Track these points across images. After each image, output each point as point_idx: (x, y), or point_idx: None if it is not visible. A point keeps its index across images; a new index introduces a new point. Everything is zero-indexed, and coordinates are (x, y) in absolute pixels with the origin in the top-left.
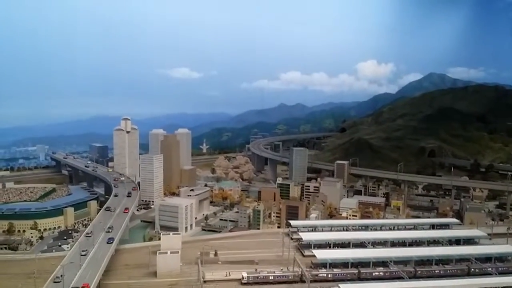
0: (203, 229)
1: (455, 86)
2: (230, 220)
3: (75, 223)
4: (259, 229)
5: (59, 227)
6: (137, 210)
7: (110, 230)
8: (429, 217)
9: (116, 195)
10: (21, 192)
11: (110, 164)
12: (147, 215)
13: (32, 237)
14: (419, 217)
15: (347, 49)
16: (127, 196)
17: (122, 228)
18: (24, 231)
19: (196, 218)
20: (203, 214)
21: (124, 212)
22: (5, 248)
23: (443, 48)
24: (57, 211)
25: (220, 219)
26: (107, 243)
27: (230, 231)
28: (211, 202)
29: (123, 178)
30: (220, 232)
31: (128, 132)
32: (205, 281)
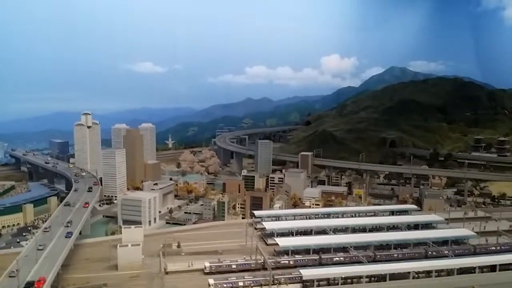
0: (167, 223)
1: (416, 79)
2: (195, 213)
3: (34, 219)
4: (224, 220)
5: (18, 224)
6: (100, 205)
7: (69, 225)
8: (389, 205)
9: (76, 190)
10: None
11: (71, 160)
12: (109, 210)
13: None
14: (380, 205)
15: (311, 43)
16: (88, 191)
17: (81, 222)
18: None
19: (160, 211)
20: (168, 208)
21: (84, 207)
22: None
23: (404, 42)
24: (15, 208)
25: (185, 212)
26: (66, 237)
27: (195, 223)
28: (176, 195)
29: (84, 174)
30: (184, 224)
31: (89, 127)
32: (167, 272)
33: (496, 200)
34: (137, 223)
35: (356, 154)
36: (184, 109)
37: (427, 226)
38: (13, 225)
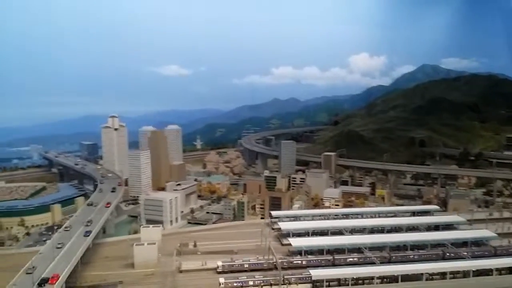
0: (189, 222)
1: (448, 77)
2: (215, 213)
3: (62, 219)
4: (243, 220)
5: (46, 223)
6: (125, 205)
7: (89, 224)
8: (414, 205)
9: (100, 191)
10: (11, 191)
11: (100, 161)
12: (134, 210)
13: (18, 233)
14: (403, 205)
15: (338, 43)
16: (111, 192)
17: (101, 221)
18: (11, 227)
19: (182, 211)
20: (190, 208)
21: (106, 207)
22: None
23: (436, 39)
24: (44, 208)
25: (207, 212)
26: (84, 236)
27: (214, 223)
28: (199, 196)
29: (110, 175)
30: (205, 224)
31: (116, 129)
32: (181, 271)
33: None
34: (159, 222)
35: (384, 154)
36: (211, 110)
37: (447, 227)
38: (42, 224)
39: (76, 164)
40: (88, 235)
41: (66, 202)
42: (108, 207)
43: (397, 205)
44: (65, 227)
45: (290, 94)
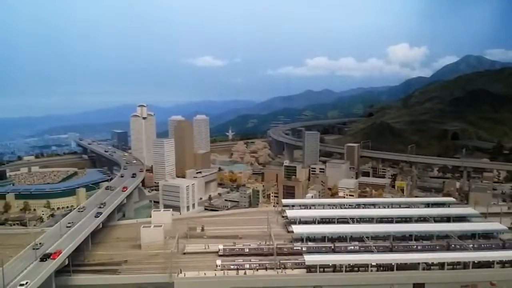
0: (205, 209)
1: (493, 68)
2: (232, 201)
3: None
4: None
5: (72, 206)
6: (149, 191)
7: (102, 206)
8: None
9: (122, 176)
10: (45, 176)
11: (129, 150)
12: (156, 196)
13: (43, 214)
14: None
15: (376, 33)
16: (132, 177)
17: (114, 204)
18: (36, 209)
19: (201, 198)
20: (208, 195)
21: (122, 191)
22: (18, 223)
23: (480, 29)
24: (69, 192)
25: (225, 200)
26: (95, 217)
27: (228, 210)
28: (220, 184)
29: (134, 161)
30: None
31: (144, 118)
32: (184, 253)
33: None
34: (176, 208)
35: (415, 146)
36: (244, 101)
37: (459, 219)
38: (67, 207)
39: (106, 151)
40: (99, 216)
41: (92, 186)
42: (125, 191)
43: (417, 197)
44: (79, 208)
45: (325, 86)
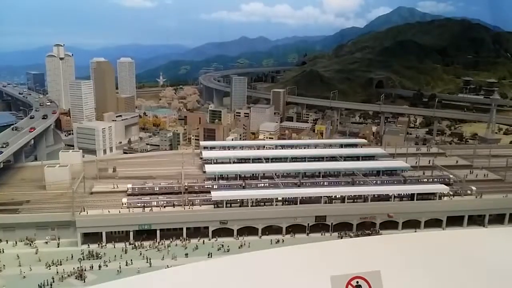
0: (124, 152)
1: (423, 20)
2: (152, 144)
3: None
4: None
5: None
6: (65, 135)
7: (4, 146)
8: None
9: (32, 117)
10: None
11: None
12: (73, 140)
13: None
14: None
15: None
16: (42, 118)
17: (18, 143)
18: None
19: (120, 142)
20: (129, 139)
21: (29, 131)
22: None
23: None
24: None
25: (146, 144)
26: None
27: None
28: (143, 128)
29: (48, 103)
30: None
31: (61, 58)
32: (91, 193)
33: (464, 139)
34: (92, 151)
35: (342, 94)
36: (176, 46)
37: (368, 158)
38: None
39: (20, 94)
40: None
41: (2, 128)
42: (32, 132)
43: None
44: None
45: (259, 33)
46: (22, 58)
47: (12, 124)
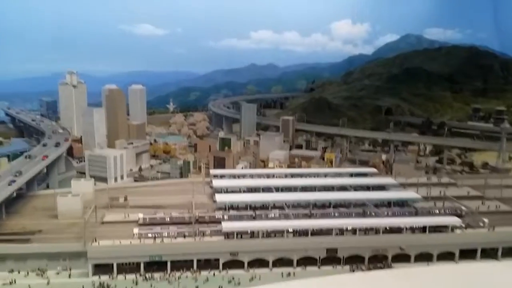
0: (135, 180)
1: (431, 47)
2: (162, 172)
3: None
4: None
5: None
6: (77, 162)
7: (17, 175)
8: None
9: (45, 145)
10: None
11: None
12: (84, 167)
13: None
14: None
15: (320, 8)
16: (55, 146)
17: (31, 172)
18: None
19: (131, 170)
20: (140, 166)
21: (42, 159)
22: None
23: (420, 8)
24: None
25: (157, 172)
26: (8, 185)
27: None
28: (154, 156)
29: (61, 131)
30: None
31: (74, 86)
32: (103, 222)
33: (475, 168)
34: (103, 179)
35: (350, 121)
36: (185, 73)
37: (379, 188)
38: None
39: (33, 120)
40: (11, 184)
41: (15, 156)
42: (44, 160)
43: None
44: None
45: (268, 60)
46: (34, 84)
47: (25, 151)
